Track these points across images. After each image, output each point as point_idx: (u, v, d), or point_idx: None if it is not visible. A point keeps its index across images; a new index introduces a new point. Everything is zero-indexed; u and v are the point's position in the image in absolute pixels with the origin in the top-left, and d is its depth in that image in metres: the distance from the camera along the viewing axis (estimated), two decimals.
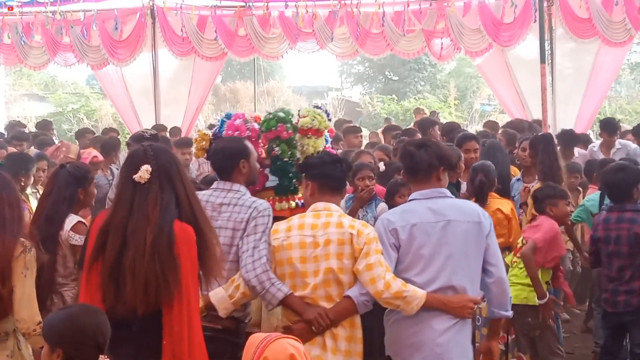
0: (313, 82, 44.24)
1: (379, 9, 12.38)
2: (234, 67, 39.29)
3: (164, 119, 13.22)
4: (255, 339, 3.09)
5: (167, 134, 12.34)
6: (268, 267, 4.14)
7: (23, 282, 3.97)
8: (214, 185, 4.60)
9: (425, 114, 15.12)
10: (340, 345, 4.14)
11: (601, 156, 8.75)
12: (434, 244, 4.12)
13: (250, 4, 12.91)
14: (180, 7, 12.94)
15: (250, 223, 4.29)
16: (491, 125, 11.55)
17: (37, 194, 6.88)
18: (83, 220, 5.23)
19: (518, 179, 7.50)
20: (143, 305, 3.66)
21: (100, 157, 8.80)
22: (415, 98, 33.96)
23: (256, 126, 5.15)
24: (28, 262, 4.00)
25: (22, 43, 13.27)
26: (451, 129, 9.43)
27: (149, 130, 8.79)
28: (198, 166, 9.78)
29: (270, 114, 5.21)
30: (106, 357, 3.29)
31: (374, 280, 4.01)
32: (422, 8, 12.41)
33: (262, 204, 4.40)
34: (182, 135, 13.19)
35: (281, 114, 5.15)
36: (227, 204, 4.43)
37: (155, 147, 3.90)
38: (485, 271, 4.22)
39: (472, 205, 4.53)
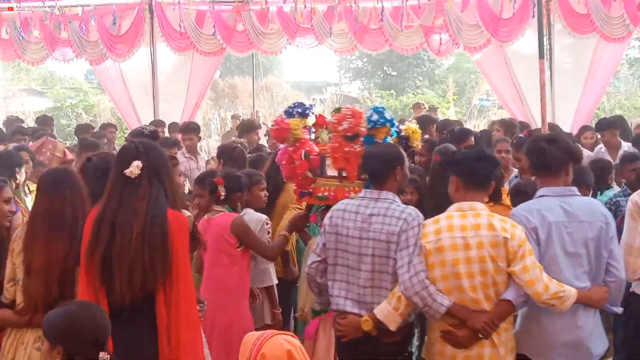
0: (312, 78, 44.27)
1: (378, 4, 12.36)
2: (233, 62, 39.28)
3: (162, 114, 13.20)
4: (250, 337, 3.11)
5: (166, 130, 12.34)
6: (427, 283, 4.16)
7: None
8: (362, 194, 4.58)
9: (425, 108, 15.14)
10: (502, 337, 4.21)
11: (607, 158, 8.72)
12: (567, 244, 4.28)
13: None
14: (179, 2, 12.90)
15: (402, 236, 4.27)
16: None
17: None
18: None
19: (516, 176, 7.51)
20: (129, 293, 3.80)
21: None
22: (413, 93, 33.99)
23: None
24: None
25: (21, 38, 13.24)
26: (447, 125, 9.47)
27: (148, 126, 8.77)
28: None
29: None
30: (105, 353, 3.30)
31: (532, 282, 4.08)
32: (420, 3, 12.39)
33: (411, 213, 4.35)
34: None
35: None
36: (377, 215, 4.39)
37: (146, 143, 4.02)
38: (607, 271, 4.36)
39: (598, 205, 4.59)
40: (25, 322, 4.18)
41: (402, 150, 4.79)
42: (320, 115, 5.70)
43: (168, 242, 3.84)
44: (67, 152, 8.93)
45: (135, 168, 3.86)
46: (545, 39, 11.24)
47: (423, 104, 16.40)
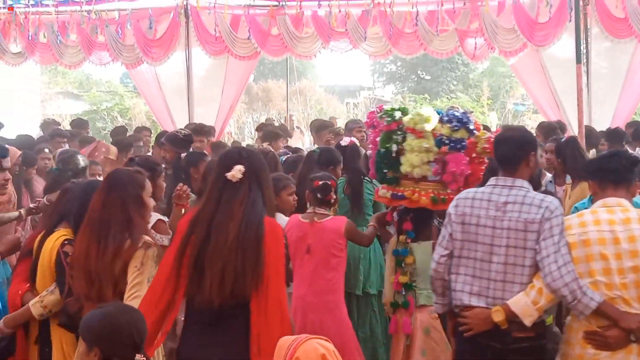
0: (345, 82, 44.31)
1: (413, 8, 12.32)
2: (266, 66, 39.40)
3: (197, 118, 13.26)
4: (285, 342, 3.11)
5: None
6: (576, 275, 3.92)
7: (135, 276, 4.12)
8: (492, 181, 4.30)
9: None
10: None
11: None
12: None
13: (283, 3, 12.92)
14: (214, 6, 12.97)
15: (545, 225, 4.01)
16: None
17: None
18: (163, 218, 5.31)
19: (550, 181, 7.45)
20: (219, 298, 3.78)
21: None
22: (447, 97, 33.86)
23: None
24: (144, 257, 4.16)
25: (58, 42, 13.39)
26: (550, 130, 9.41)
27: (183, 130, 8.83)
28: None
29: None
30: (142, 356, 3.31)
31: None
32: (455, 7, 12.32)
33: (553, 202, 4.11)
34: (217, 134, 13.29)
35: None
36: (513, 202, 4.13)
37: (248, 149, 4.12)
38: None
39: None
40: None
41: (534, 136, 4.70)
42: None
43: (262, 249, 3.82)
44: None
45: (237, 172, 3.89)
46: (582, 44, 11.15)
47: (458, 108, 16.34)
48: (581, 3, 10.90)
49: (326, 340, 3.14)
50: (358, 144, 7.55)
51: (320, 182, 5.70)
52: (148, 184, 4.41)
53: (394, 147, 5.29)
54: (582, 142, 9.51)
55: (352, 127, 9.76)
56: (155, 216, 5.08)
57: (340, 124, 16.56)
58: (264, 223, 3.87)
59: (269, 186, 4.01)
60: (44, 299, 4.29)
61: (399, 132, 5.31)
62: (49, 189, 6.12)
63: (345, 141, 7.29)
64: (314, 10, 12.81)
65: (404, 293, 5.32)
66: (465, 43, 12.42)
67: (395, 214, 5.58)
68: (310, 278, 5.66)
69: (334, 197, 5.73)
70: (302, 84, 31.80)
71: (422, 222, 5.39)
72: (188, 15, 13.18)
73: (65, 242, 4.34)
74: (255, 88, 33.47)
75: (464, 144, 5.22)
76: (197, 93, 13.74)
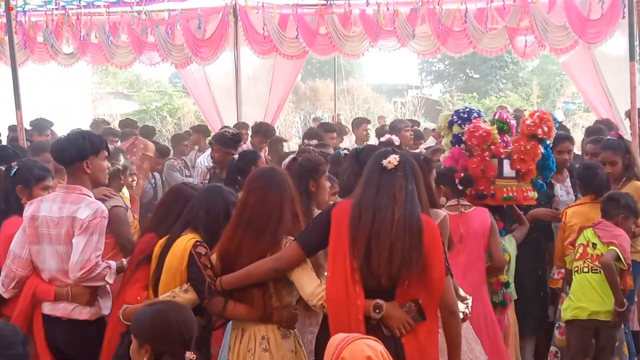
0: (393, 80, 44.27)
1: (462, 5, 12.20)
2: (314, 65, 39.50)
3: (245, 117, 13.34)
4: (335, 340, 3.11)
5: (249, 132, 12.46)
6: None
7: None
8: None
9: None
10: None
11: None
12: None
13: (332, 2, 12.92)
14: (262, 5, 13.02)
15: None
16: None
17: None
18: None
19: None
20: (386, 274, 3.81)
21: None
22: (496, 96, 33.61)
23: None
24: None
25: (109, 42, 13.58)
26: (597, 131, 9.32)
27: (231, 128, 8.87)
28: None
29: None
30: (193, 353, 3.34)
31: None
32: (505, 5, 12.18)
33: None
34: None
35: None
36: None
37: (399, 151, 4.14)
38: None
39: None
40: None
41: None
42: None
43: (423, 239, 3.86)
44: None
45: (393, 159, 3.95)
46: (636, 41, 10.94)
47: (507, 107, 16.23)
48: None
49: (375, 340, 3.13)
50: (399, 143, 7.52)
51: (463, 174, 5.77)
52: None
53: None
54: (636, 141, 9.37)
55: (399, 126, 9.74)
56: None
57: (388, 123, 16.53)
58: (422, 218, 3.92)
59: (421, 183, 4.05)
60: (176, 295, 4.27)
61: None
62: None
63: (385, 137, 7.32)
64: (362, 8, 12.78)
65: (503, 291, 5.68)
66: (515, 41, 12.26)
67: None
68: (463, 269, 5.68)
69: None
70: (350, 83, 31.84)
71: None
72: (237, 15, 13.25)
73: (197, 243, 4.33)
74: (303, 87, 33.57)
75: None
76: (245, 92, 13.81)
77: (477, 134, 5.84)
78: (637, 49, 10.94)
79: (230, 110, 13.67)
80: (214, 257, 4.28)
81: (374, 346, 3.06)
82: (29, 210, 4.82)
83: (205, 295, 4.17)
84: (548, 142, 6.00)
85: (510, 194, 5.85)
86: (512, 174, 5.73)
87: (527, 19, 11.99)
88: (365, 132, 11.65)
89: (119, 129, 12.45)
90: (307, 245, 4.03)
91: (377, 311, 3.79)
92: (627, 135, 10.35)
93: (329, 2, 12.92)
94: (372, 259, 3.81)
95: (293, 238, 4.14)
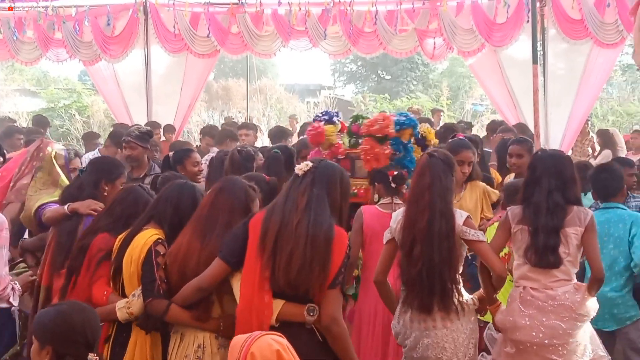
0: (305, 80, 44.38)
1: (372, 7, 12.37)
2: (227, 64, 39.33)
3: (155, 116, 13.19)
4: (238, 340, 3.11)
5: (161, 132, 12.33)
6: None
7: None
8: None
9: (442, 114, 15.23)
10: None
11: None
12: None
13: (244, 1, 12.89)
14: (173, 3, 12.91)
15: None
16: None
17: None
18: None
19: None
20: (285, 280, 3.83)
21: None
22: (407, 97, 34.07)
23: None
24: None
25: (14, 38, 13.22)
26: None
27: (143, 126, 8.74)
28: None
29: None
30: (95, 355, 3.29)
31: None
32: (415, 7, 12.40)
33: None
34: (176, 132, 13.21)
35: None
36: None
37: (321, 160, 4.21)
38: None
39: None
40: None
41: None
42: (341, 121, 6.20)
43: (330, 247, 3.83)
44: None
45: (304, 165, 3.99)
46: (539, 44, 11.26)
47: (442, 110, 16.64)
48: (538, 4, 11.02)
49: (280, 335, 3.15)
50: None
51: (395, 172, 5.66)
52: (257, 202, 4.40)
53: None
54: (538, 142, 9.65)
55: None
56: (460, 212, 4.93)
57: (301, 123, 16.60)
58: (333, 227, 3.89)
59: (336, 191, 4.02)
60: (130, 304, 4.20)
61: None
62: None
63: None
64: (274, 8, 12.81)
65: (354, 285, 5.65)
66: (424, 43, 12.50)
67: None
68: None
69: (406, 187, 5.77)
70: (263, 83, 31.74)
71: None
72: (147, 12, 13.09)
73: (159, 240, 4.24)
74: (216, 86, 33.33)
75: None
76: (156, 91, 13.64)
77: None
78: (540, 52, 11.30)
79: (141, 108, 13.47)
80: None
81: (280, 341, 3.09)
82: None
83: (153, 294, 4.12)
84: (405, 142, 6.05)
85: (355, 191, 5.88)
86: (364, 173, 5.86)
87: (436, 21, 12.24)
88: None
89: (33, 126, 12.16)
90: (229, 258, 4.00)
91: (312, 314, 3.80)
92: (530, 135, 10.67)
93: (240, 1, 12.89)
94: (275, 265, 3.83)
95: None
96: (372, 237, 5.38)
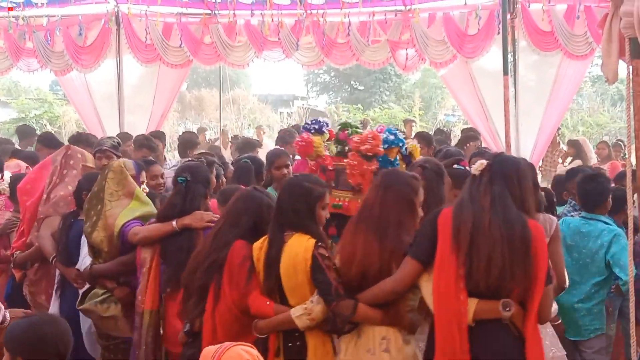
0: (279, 91, 44.29)
1: (345, 18, 12.42)
2: (200, 74, 39.24)
3: (128, 126, 13.12)
4: (209, 351, 3.12)
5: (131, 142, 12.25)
6: None
7: None
8: None
9: (415, 124, 15.31)
10: None
11: None
12: None
13: (216, 11, 12.89)
14: (146, 13, 12.86)
15: None
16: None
17: None
18: None
19: None
20: (484, 283, 3.78)
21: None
22: (380, 108, 34.17)
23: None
24: None
25: None
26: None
27: (112, 138, 8.68)
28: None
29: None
30: None
31: None
32: (387, 19, 12.45)
33: None
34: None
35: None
36: None
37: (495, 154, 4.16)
38: None
39: None
40: None
41: None
42: (330, 129, 6.19)
43: (530, 247, 3.77)
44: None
45: (479, 165, 3.92)
46: (510, 56, 11.35)
47: (414, 121, 16.74)
48: (508, 16, 11.12)
49: (250, 346, 3.16)
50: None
51: None
52: (421, 191, 4.36)
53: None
54: (510, 152, 9.73)
55: (288, 139, 9.84)
56: None
57: (274, 133, 16.62)
58: (529, 226, 3.82)
59: (516, 186, 3.92)
60: (311, 311, 4.14)
61: None
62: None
63: None
64: (247, 19, 12.82)
65: None
66: (397, 54, 12.54)
67: None
68: None
69: None
70: (236, 93, 31.75)
71: None
72: (119, 22, 13.04)
73: (319, 244, 4.22)
74: (188, 97, 33.27)
75: None
76: (128, 101, 13.56)
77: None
78: (511, 64, 11.41)
79: (113, 118, 13.39)
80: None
81: (251, 352, 3.10)
82: None
83: (333, 298, 4.10)
84: (391, 159, 6.10)
85: (340, 203, 5.92)
86: (349, 186, 5.90)
87: (408, 33, 12.28)
88: None
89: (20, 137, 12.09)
90: (421, 256, 3.99)
91: (507, 309, 3.76)
92: (501, 145, 10.78)
93: (213, 12, 12.89)
94: (472, 267, 3.79)
95: None
96: None
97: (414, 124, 16.15)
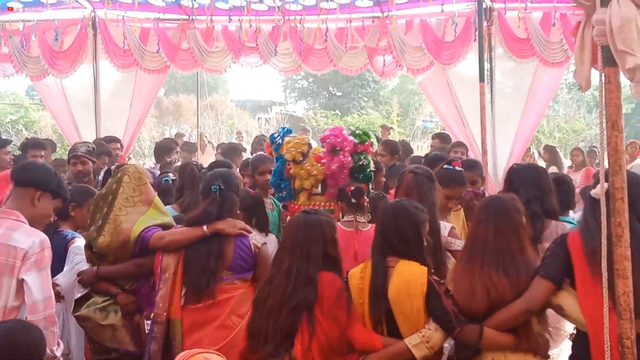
0: (257, 97, 44.46)
1: (322, 24, 12.45)
2: (178, 80, 39.16)
3: (104, 132, 13.05)
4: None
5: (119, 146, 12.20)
6: None
7: None
8: None
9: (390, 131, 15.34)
10: None
11: None
12: None
13: (194, 17, 12.88)
14: (123, 19, 12.81)
15: None
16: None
17: None
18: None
19: None
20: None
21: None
22: (358, 114, 34.26)
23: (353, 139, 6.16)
24: None
25: None
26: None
27: (87, 143, 8.65)
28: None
29: (358, 129, 6.31)
30: None
31: None
32: (365, 25, 12.50)
33: None
34: (125, 148, 13.09)
35: (368, 132, 6.34)
36: None
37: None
38: None
39: None
40: None
41: None
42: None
43: None
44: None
45: (599, 189, 3.80)
46: (487, 63, 11.42)
47: (391, 127, 16.77)
48: (485, 23, 11.20)
49: (216, 353, 3.16)
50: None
51: (353, 187, 5.66)
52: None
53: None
54: (486, 159, 9.78)
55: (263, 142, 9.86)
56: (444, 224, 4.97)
57: (251, 138, 16.60)
58: None
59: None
60: (429, 338, 4.04)
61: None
62: None
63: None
64: (225, 24, 12.81)
65: None
66: (374, 60, 12.58)
67: None
68: None
69: (367, 200, 5.72)
70: (214, 99, 31.71)
71: None
72: (96, 27, 12.99)
73: (431, 271, 4.18)
74: (166, 102, 33.22)
75: None
76: (105, 106, 13.50)
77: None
78: (487, 71, 11.47)
79: (89, 124, 13.32)
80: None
81: (214, 359, 3.10)
82: None
83: (454, 323, 4.04)
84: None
85: (333, 208, 6.11)
86: (319, 190, 6.01)
87: (386, 39, 12.33)
88: None
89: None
90: (554, 277, 4.01)
91: None
92: (478, 152, 10.83)
93: (190, 17, 12.87)
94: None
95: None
96: None
97: (390, 130, 16.20)
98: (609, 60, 3.53)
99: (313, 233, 4.38)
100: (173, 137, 18.50)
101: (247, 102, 38.79)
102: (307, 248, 4.33)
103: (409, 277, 4.12)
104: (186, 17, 12.88)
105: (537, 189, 4.93)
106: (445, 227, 4.84)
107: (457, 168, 5.80)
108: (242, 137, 19.18)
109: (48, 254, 4.15)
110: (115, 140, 11.72)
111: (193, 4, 12.57)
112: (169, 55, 12.83)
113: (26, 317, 3.99)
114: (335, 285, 4.27)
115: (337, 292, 4.24)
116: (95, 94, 13.37)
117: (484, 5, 11.38)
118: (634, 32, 3.44)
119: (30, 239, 4.09)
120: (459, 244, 4.74)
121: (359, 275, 4.30)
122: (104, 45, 12.90)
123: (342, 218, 5.70)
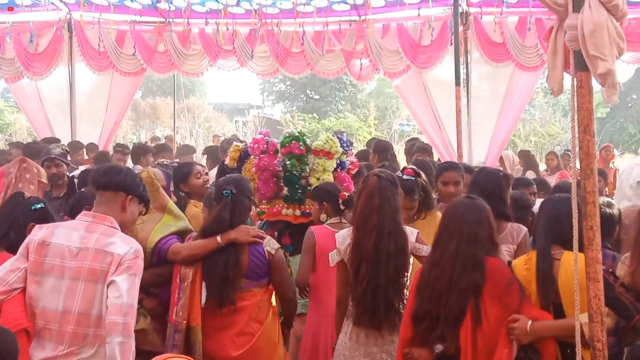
0: (234, 100, 44.36)
1: (299, 28, 12.46)
2: (155, 82, 39.01)
3: (80, 134, 12.99)
4: None
5: (84, 151, 12.13)
6: None
7: None
8: None
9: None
10: None
11: None
12: None
13: (170, 19, 12.84)
14: (99, 21, 12.74)
15: None
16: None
17: None
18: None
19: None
20: None
21: None
22: (336, 117, 34.30)
23: (275, 141, 6.37)
24: None
25: None
26: (384, 149, 9.48)
27: (59, 145, 8.55)
28: None
29: (287, 133, 6.46)
30: None
31: None
32: (342, 29, 12.52)
33: None
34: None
35: (296, 134, 6.40)
36: None
37: None
38: None
39: None
40: None
41: None
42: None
43: None
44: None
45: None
46: (463, 67, 11.47)
47: (344, 132, 16.73)
48: (461, 27, 11.25)
49: (186, 358, 3.16)
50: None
51: (347, 195, 5.71)
52: None
53: (307, 170, 6.30)
54: (461, 161, 9.80)
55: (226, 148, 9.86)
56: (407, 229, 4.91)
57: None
58: None
59: None
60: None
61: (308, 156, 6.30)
62: None
63: None
64: (202, 27, 12.79)
65: None
66: (351, 64, 12.60)
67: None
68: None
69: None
70: (191, 102, 31.63)
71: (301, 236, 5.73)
72: (71, 29, 12.92)
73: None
74: (143, 105, 33.06)
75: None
76: (81, 109, 13.43)
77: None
78: (464, 75, 11.53)
79: (65, 127, 13.24)
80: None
81: None
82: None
83: (632, 313, 4.02)
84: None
85: (264, 210, 6.30)
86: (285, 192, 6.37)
87: (362, 43, 12.36)
88: None
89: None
90: None
91: None
92: (454, 156, 10.88)
93: (167, 20, 12.84)
94: None
95: None
96: (325, 257, 5.23)
97: (344, 134, 16.18)
98: (581, 65, 3.56)
99: (481, 217, 4.35)
100: (149, 141, 18.45)
101: (224, 105, 38.69)
102: (474, 231, 4.29)
103: (571, 267, 4.02)
104: (163, 19, 12.85)
105: (486, 193, 4.92)
106: (412, 232, 4.84)
107: (405, 177, 5.73)
108: (219, 140, 19.12)
109: (141, 263, 4.06)
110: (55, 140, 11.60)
111: (170, 7, 12.54)
112: (145, 57, 12.78)
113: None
114: (503, 271, 4.25)
115: (508, 280, 4.19)
116: (71, 97, 13.30)
117: (460, 10, 11.43)
118: (605, 38, 3.48)
119: (127, 246, 4.02)
120: (426, 249, 4.73)
121: (523, 266, 4.29)
122: (80, 47, 12.84)
123: (326, 220, 5.75)
